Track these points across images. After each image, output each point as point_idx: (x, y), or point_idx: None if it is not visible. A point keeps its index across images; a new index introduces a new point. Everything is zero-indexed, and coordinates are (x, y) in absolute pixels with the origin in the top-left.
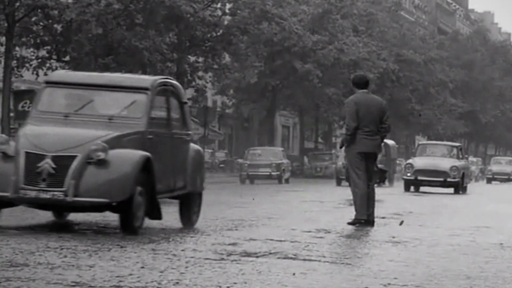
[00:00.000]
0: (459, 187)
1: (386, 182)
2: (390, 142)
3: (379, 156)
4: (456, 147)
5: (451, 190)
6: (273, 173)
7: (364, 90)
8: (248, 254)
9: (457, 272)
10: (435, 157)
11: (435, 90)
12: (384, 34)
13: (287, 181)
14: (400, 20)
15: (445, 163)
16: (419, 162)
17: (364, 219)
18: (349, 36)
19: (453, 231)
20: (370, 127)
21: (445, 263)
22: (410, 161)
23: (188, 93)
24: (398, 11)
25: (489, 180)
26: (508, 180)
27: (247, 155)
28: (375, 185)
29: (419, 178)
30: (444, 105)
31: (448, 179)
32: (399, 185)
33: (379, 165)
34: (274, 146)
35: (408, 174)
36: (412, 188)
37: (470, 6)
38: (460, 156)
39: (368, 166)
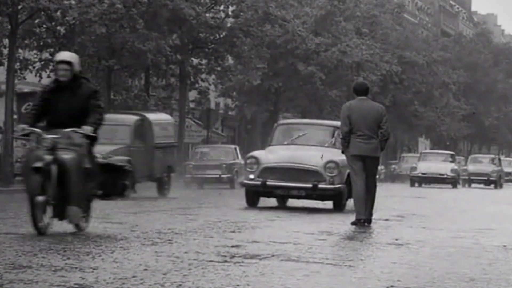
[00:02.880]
0: (343, 200)
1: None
2: (157, 116)
3: (130, 142)
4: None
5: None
6: (223, 176)
7: (362, 97)
8: (251, 256)
9: (460, 274)
10: (303, 146)
11: (438, 92)
12: (387, 36)
13: None
14: (403, 22)
15: (317, 157)
16: (271, 155)
17: (363, 218)
18: (352, 38)
19: (456, 233)
20: (364, 131)
21: (448, 265)
22: (255, 153)
23: (191, 95)
24: (401, 13)
25: (465, 183)
26: (488, 182)
27: (193, 154)
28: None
29: (270, 183)
30: (447, 107)
31: (321, 185)
32: (232, 195)
33: (114, 158)
34: None
35: (251, 176)
36: (263, 199)
37: (473, 8)
38: None
39: (367, 169)
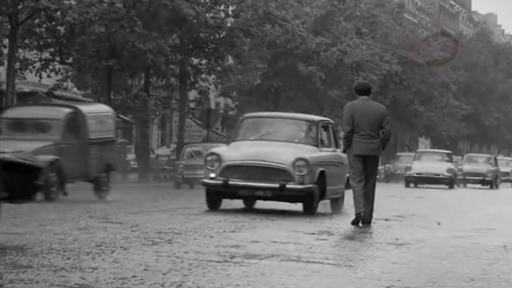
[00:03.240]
0: (314, 201)
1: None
2: (93, 108)
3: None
4: (314, 123)
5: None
6: None
7: (364, 97)
8: (251, 256)
9: (460, 274)
10: (270, 142)
11: (438, 92)
12: (387, 36)
13: None
14: (403, 22)
15: (286, 154)
16: (235, 152)
17: (362, 211)
18: (352, 38)
19: (456, 233)
20: (366, 131)
21: (448, 265)
22: (216, 150)
23: (191, 95)
24: (401, 13)
25: (460, 183)
26: (484, 182)
27: (183, 153)
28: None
29: (233, 182)
30: (447, 107)
31: (289, 185)
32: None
33: (25, 155)
34: None
35: (212, 175)
36: (223, 202)
37: (473, 8)
38: (321, 139)
39: (367, 168)
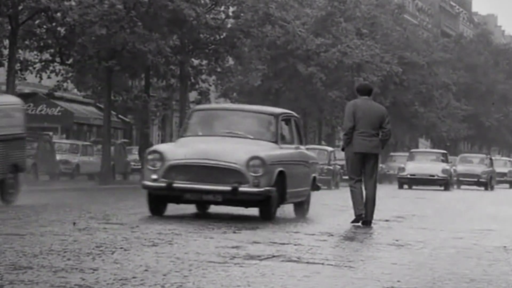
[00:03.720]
0: (272, 206)
1: None
2: None
3: None
4: (273, 116)
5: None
6: None
7: (366, 97)
8: (252, 257)
9: (460, 275)
10: (222, 137)
11: (438, 92)
12: (388, 37)
13: None
14: (403, 23)
15: (239, 152)
16: (180, 150)
17: (362, 212)
18: (353, 39)
19: (456, 234)
20: (367, 128)
21: (449, 266)
22: (159, 147)
23: (191, 96)
24: (402, 14)
25: (454, 184)
26: (478, 183)
27: None
28: None
29: (178, 185)
30: (448, 107)
31: (243, 188)
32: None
33: None
34: None
35: (154, 177)
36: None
37: (473, 9)
38: (282, 134)
39: (366, 167)
